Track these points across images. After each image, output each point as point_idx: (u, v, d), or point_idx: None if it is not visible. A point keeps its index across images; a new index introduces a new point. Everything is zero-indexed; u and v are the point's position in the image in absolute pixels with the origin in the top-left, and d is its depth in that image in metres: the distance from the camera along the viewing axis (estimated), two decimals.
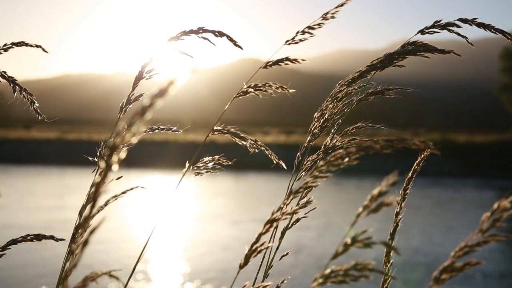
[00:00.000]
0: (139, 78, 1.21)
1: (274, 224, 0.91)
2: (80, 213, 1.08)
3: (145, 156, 28.66)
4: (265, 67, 1.22)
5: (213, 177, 23.03)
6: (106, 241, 11.86)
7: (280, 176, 27.26)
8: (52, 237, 1.33)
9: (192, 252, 11.81)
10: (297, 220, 1.24)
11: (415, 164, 1.26)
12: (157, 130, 1.34)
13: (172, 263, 10.84)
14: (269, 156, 1.33)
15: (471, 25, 1.15)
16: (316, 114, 1.28)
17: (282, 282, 1.24)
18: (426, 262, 11.17)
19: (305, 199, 1.16)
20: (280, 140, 38.69)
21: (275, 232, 1.19)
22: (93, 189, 0.70)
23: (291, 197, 0.97)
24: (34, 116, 1.37)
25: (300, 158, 1.24)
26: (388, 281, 1.20)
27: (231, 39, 1.20)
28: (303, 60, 1.19)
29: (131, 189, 1.35)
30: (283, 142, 36.62)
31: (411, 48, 1.16)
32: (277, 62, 1.22)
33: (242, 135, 1.29)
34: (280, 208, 0.92)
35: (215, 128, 1.27)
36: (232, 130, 1.28)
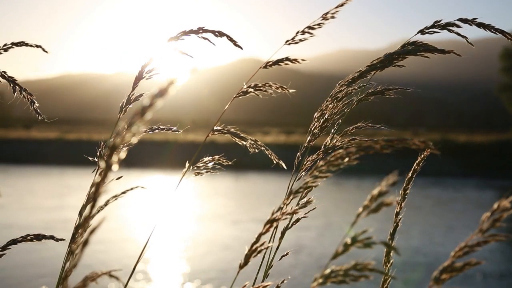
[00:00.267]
0: (139, 78, 1.21)
1: (274, 224, 0.91)
2: (80, 213, 1.08)
3: (145, 156, 28.67)
4: (265, 67, 1.22)
5: (213, 177, 23.04)
6: (106, 241, 11.86)
7: (280, 176, 27.26)
8: (52, 237, 1.33)
9: (192, 252, 11.81)
10: (297, 220, 1.24)
11: (415, 164, 1.26)
12: (157, 130, 1.34)
13: (172, 263, 10.84)
14: (269, 156, 1.33)
15: (471, 25, 1.15)
16: (316, 114, 1.28)
17: (282, 282, 1.24)
18: (426, 262, 11.17)
19: (305, 199, 1.16)
20: (280, 140, 38.69)
21: (275, 232, 1.19)
22: (93, 189, 0.70)
23: (291, 197, 0.97)
24: (34, 116, 1.37)
25: (300, 158, 1.24)
26: (388, 281, 1.20)
27: (231, 39, 1.20)
28: (303, 60, 1.19)
29: (131, 189, 1.35)
30: (283, 142, 36.62)
31: (411, 48, 1.16)
32: (277, 62, 1.22)
33: (242, 135, 1.29)
34: (280, 208, 0.92)
35: (215, 128, 1.27)
36: (232, 130, 1.28)
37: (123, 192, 1.30)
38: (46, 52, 1.40)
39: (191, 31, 1.18)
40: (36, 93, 1.38)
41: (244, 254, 0.93)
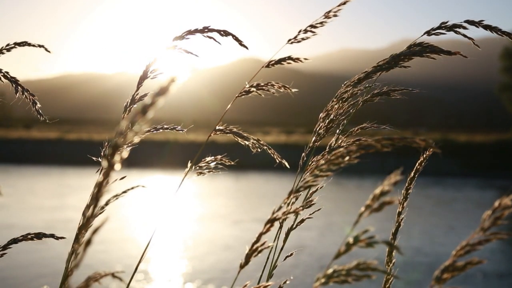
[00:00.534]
0: (143, 77, 1.21)
1: (275, 224, 0.90)
2: (84, 214, 1.08)
3: (145, 156, 28.67)
4: (267, 66, 1.22)
5: (213, 177, 23.05)
6: (106, 241, 11.86)
7: (281, 176, 27.25)
8: (52, 235, 1.34)
9: (193, 252, 11.81)
10: (302, 220, 1.24)
11: (417, 164, 1.26)
12: (161, 130, 1.34)
13: (173, 263, 10.84)
14: (272, 155, 1.33)
15: (477, 27, 1.14)
16: (321, 115, 1.28)
17: (285, 282, 1.23)
18: (427, 262, 11.17)
19: (314, 200, 1.16)
20: (281, 140, 38.68)
21: (280, 233, 1.19)
22: (95, 189, 0.70)
23: (291, 196, 0.97)
24: (35, 116, 1.37)
25: (305, 159, 1.24)
26: (390, 281, 1.20)
27: (236, 39, 1.20)
28: (305, 59, 1.19)
29: (132, 188, 1.35)
30: (284, 142, 36.60)
31: (417, 49, 1.16)
32: (279, 61, 1.21)
33: (245, 134, 1.29)
34: (280, 207, 0.91)
35: (217, 127, 1.27)
36: (235, 129, 1.28)
37: (124, 192, 1.30)
38: (49, 52, 1.40)
39: (197, 30, 1.18)
40: (37, 93, 1.38)
41: (245, 254, 0.93)
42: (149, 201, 17.94)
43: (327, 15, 1.16)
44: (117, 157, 0.65)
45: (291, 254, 1.24)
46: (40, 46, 1.37)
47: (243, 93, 1.24)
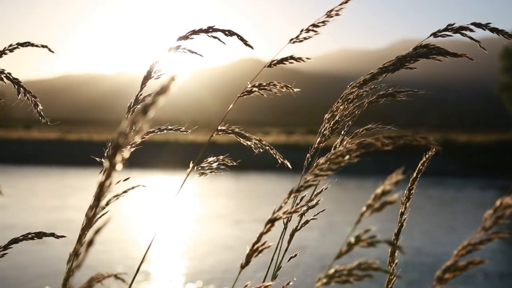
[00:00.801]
0: (147, 78, 1.21)
1: (276, 224, 0.90)
2: (87, 215, 1.08)
3: (145, 156, 28.67)
4: (269, 66, 1.22)
5: (214, 177, 23.04)
6: (107, 241, 11.86)
7: (281, 176, 27.25)
8: (52, 234, 1.34)
9: (193, 252, 11.81)
10: (306, 222, 1.23)
11: (419, 164, 1.26)
12: (165, 131, 1.34)
13: (174, 263, 10.83)
14: (274, 155, 1.33)
15: (484, 29, 1.14)
16: (326, 116, 1.28)
17: (288, 284, 1.23)
18: (428, 262, 11.16)
19: (314, 201, 1.16)
20: (281, 140, 38.67)
21: (284, 234, 1.19)
22: (97, 189, 0.69)
23: (292, 196, 0.97)
24: (35, 117, 1.37)
25: (310, 160, 1.24)
26: (393, 281, 1.20)
27: (241, 38, 1.20)
28: (308, 58, 1.19)
29: (132, 188, 1.35)
30: (284, 142, 36.60)
31: (423, 51, 1.16)
32: (281, 61, 1.21)
33: (247, 135, 1.29)
34: (281, 207, 0.91)
35: (219, 128, 1.27)
36: (237, 130, 1.28)
37: (124, 191, 1.30)
38: (52, 52, 1.39)
39: (201, 30, 1.18)
40: (38, 93, 1.37)
41: (246, 254, 0.93)
42: (150, 201, 17.94)
43: (329, 14, 1.16)
44: (118, 158, 0.65)
45: (295, 255, 1.24)
46: (43, 46, 1.37)
47: (245, 93, 1.24)
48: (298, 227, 1.23)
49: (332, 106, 1.28)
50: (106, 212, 1.12)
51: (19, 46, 1.35)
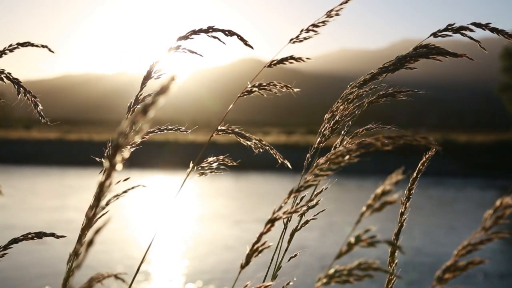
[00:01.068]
0: (147, 78, 1.21)
1: (276, 224, 0.90)
2: (87, 215, 1.08)
3: (145, 156, 28.68)
4: (269, 66, 1.22)
5: (214, 178, 23.04)
6: (107, 241, 11.86)
7: (281, 176, 27.26)
8: (52, 234, 1.34)
9: (193, 252, 11.81)
10: (306, 222, 1.23)
11: (419, 164, 1.26)
12: (165, 131, 1.34)
13: (174, 263, 10.83)
14: (274, 155, 1.33)
15: (484, 29, 1.14)
16: (326, 115, 1.28)
17: (288, 284, 1.23)
18: (428, 262, 11.16)
19: (314, 201, 1.16)
20: (281, 140, 38.67)
21: (284, 234, 1.19)
22: (97, 189, 0.69)
23: (292, 196, 0.97)
24: (35, 117, 1.37)
25: (310, 160, 1.23)
26: (393, 281, 1.20)
27: (242, 38, 1.20)
28: (308, 58, 1.19)
29: (132, 188, 1.35)
30: (283, 142, 36.60)
31: (423, 51, 1.16)
32: (281, 61, 1.21)
33: (247, 135, 1.29)
34: (281, 207, 0.91)
35: (219, 128, 1.27)
36: (237, 130, 1.28)
37: (124, 191, 1.30)
38: (53, 52, 1.39)
39: (201, 30, 1.18)
40: (38, 94, 1.37)
41: (246, 254, 0.93)
42: (150, 201, 17.94)
43: (329, 14, 1.16)
44: (118, 158, 0.65)
45: (295, 255, 1.24)
46: (43, 46, 1.37)
47: (245, 93, 1.24)
48: (298, 227, 1.23)
49: (332, 106, 1.28)
50: (106, 212, 1.12)
51: (19, 46, 1.35)
